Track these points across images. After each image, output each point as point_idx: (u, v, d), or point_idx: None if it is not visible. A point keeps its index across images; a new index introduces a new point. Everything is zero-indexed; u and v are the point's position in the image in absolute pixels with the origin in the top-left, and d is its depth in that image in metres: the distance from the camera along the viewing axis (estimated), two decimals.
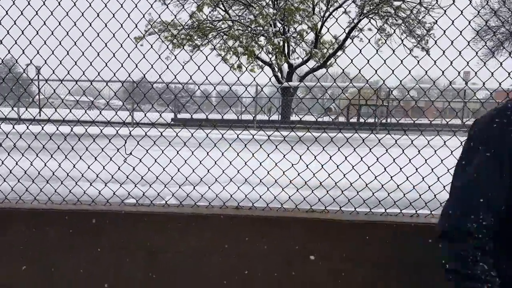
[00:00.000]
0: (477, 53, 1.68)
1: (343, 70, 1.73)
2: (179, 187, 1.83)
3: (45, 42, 1.53)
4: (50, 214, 1.72)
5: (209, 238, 1.68)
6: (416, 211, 1.75)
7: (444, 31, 1.59)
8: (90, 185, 1.81)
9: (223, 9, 15.80)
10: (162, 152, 1.70)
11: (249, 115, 14.25)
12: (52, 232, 1.71)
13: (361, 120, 15.43)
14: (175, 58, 1.63)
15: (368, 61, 1.64)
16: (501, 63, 1.68)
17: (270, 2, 16.28)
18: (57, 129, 1.70)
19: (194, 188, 1.84)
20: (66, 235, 1.70)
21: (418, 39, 15.29)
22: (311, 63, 16.77)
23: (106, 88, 1.97)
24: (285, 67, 17.49)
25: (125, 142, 1.63)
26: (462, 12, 1.57)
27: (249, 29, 15.50)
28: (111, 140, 1.69)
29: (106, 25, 1.52)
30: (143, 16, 1.52)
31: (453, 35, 1.59)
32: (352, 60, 1.66)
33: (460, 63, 1.64)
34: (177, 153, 1.78)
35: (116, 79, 1.65)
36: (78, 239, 1.70)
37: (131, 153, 1.62)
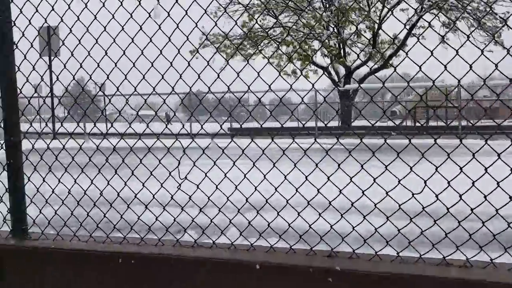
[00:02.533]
0: None
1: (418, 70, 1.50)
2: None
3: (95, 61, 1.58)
4: None
5: None
6: None
7: None
8: None
9: (273, 15, 15.69)
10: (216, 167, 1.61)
11: (311, 123, 13.33)
12: None
13: (431, 123, 13.99)
14: (230, 66, 1.60)
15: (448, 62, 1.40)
16: None
17: (321, 6, 15.91)
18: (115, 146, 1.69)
19: None
20: None
21: (489, 32, 13.76)
22: (370, 65, 16.03)
23: (160, 101, 2.00)
24: (341, 70, 16.89)
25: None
26: None
27: (302, 34, 15.29)
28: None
29: (170, 39, 1.53)
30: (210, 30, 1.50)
31: None
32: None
33: None
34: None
35: (176, 91, 1.69)
36: None
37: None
